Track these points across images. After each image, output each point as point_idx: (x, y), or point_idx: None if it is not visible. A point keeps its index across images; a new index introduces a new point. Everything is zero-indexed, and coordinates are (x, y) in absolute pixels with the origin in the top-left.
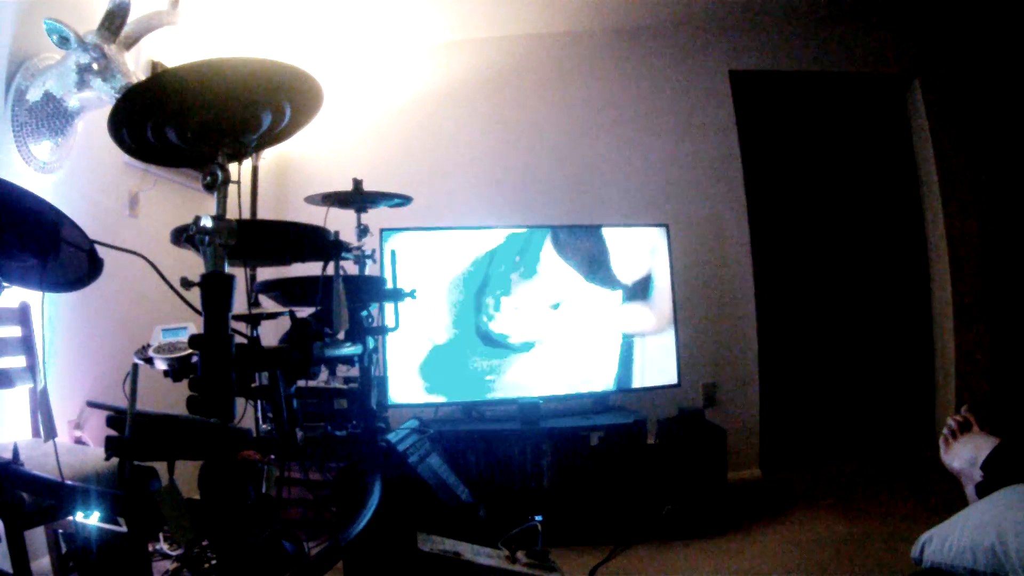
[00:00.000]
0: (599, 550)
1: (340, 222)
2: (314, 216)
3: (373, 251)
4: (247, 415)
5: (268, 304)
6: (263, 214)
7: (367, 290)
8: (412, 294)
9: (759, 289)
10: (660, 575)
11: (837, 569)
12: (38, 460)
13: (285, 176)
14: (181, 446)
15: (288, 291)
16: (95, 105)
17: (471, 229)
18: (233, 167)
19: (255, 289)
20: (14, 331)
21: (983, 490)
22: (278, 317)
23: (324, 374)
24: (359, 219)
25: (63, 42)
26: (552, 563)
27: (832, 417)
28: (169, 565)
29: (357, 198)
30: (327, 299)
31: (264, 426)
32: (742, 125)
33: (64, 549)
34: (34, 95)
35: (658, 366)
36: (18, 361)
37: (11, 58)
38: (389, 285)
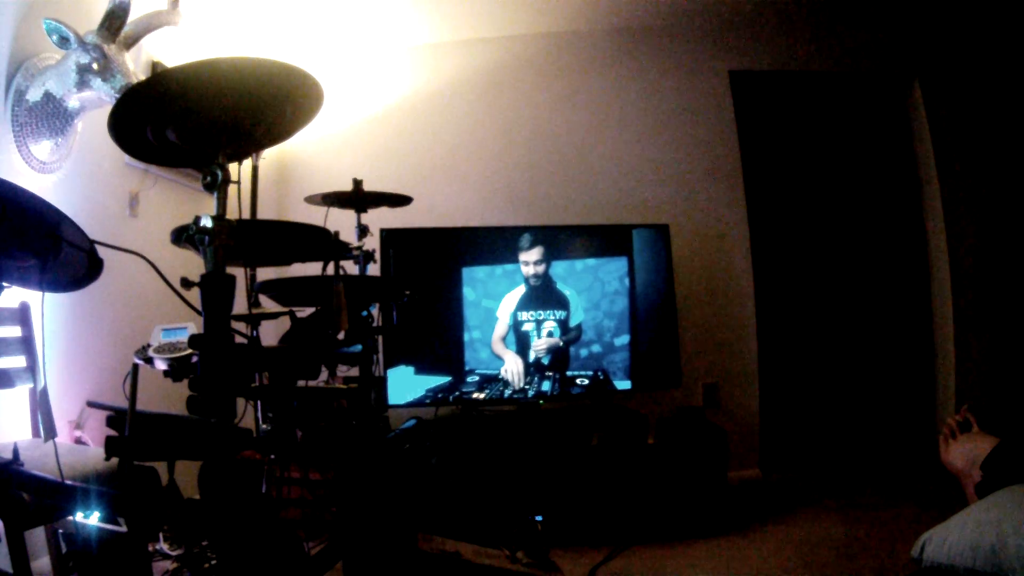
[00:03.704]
0: (599, 550)
1: (340, 222)
2: (314, 216)
3: (373, 251)
4: (247, 415)
5: (268, 304)
6: (263, 214)
7: (367, 290)
8: (412, 294)
9: (759, 289)
10: (660, 575)
11: (837, 569)
12: (38, 460)
13: (285, 176)
14: (181, 446)
15: (288, 291)
16: (95, 105)
17: (470, 229)
18: (233, 167)
19: (255, 289)
20: (14, 331)
21: (983, 490)
22: (278, 317)
23: (324, 374)
24: (359, 219)
25: (63, 42)
26: (552, 563)
27: (832, 417)
28: (169, 565)
29: (357, 198)
30: (327, 299)
31: (264, 426)
32: (742, 125)
33: (64, 549)
34: (34, 95)
35: (658, 366)
36: (18, 361)
37: (11, 58)
38: (388, 285)
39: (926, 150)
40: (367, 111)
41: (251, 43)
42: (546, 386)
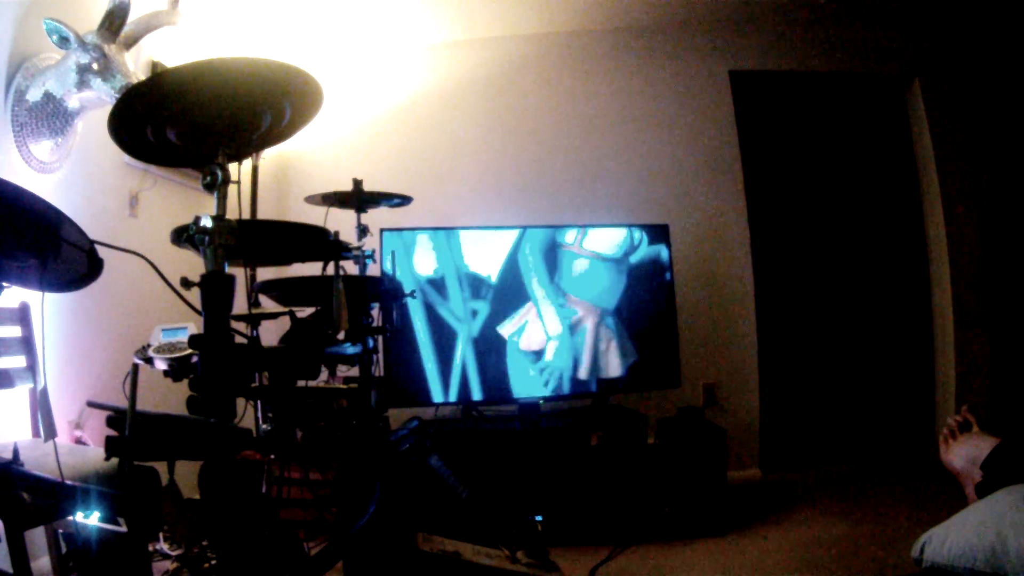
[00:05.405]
0: (599, 550)
1: (340, 222)
2: (314, 216)
3: (373, 251)
4: (247, 415)
5: (268, 304)
6: (263, 214)
7: (367, 290)
8: (412, 294)
9: (759, 289)
10: (660, 575)
11: (837, 569)
12: (38, 460)
13: (285, 176)
14: (181, 446)
15: (288, 291)
16: (95, 105)
17: (471, 229)
18: (233, 167)
19: (255, 289)
20: (14, 331)
21: (983, 490)
22: (278, 317)
23: (324, 374)
24: (359, 219)
25: (63, 42)
26: (552, 563)
27: (832, 417)
28: (169, 565)
29: (357, 198)
30: (327, 299)
31: (264, 426)
32: (742, 125)
33: (64, 549)
34: (34, 95)
35: (658, 366)
36: (18, 361)
37: (11, 58)
38: (389, 285)
39: (926, 150)
40: (367, 111)
41: (251, 43)
42: (551, 387)
